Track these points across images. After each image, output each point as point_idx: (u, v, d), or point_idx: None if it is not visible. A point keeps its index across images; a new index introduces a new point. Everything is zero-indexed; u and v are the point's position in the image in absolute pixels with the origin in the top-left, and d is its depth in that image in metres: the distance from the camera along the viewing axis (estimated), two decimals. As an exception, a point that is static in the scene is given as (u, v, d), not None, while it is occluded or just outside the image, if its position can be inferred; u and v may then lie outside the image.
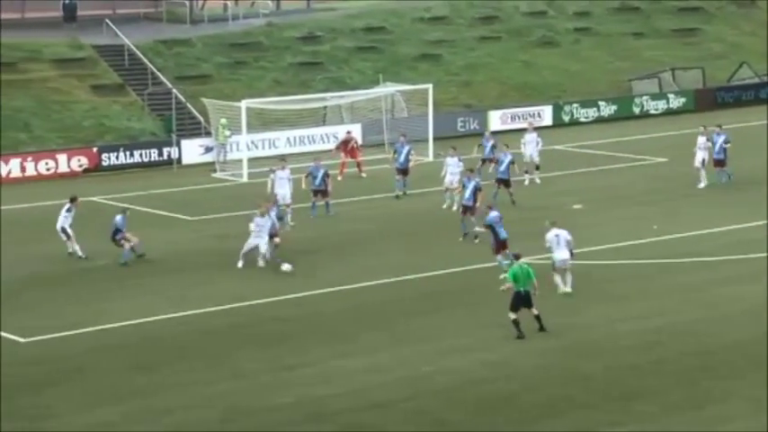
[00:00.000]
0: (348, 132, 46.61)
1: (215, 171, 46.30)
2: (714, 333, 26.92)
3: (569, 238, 29.31)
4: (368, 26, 59.36)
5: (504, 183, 38.79)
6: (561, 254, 29.21)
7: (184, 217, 39.01)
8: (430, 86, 48.99)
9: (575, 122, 54.67)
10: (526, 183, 41.79)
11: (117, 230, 33.38)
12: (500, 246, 31.11)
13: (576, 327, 27.47)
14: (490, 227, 31.27)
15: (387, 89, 50.82)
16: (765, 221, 36.17)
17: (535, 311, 26.62)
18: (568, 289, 29.34)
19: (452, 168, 38.62)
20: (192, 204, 40.71)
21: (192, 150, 47.99)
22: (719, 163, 41.30)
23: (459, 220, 34.88)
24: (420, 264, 32.40)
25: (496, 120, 53.77)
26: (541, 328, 26.66)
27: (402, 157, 41.16)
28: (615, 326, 27.52)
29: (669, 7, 65.42)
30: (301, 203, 37.92)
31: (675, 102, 57.77)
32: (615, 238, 34.59)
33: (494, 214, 31.42)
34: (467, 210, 34.78)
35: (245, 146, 45.64)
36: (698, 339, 26.53)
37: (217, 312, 29.01)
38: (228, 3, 60.25)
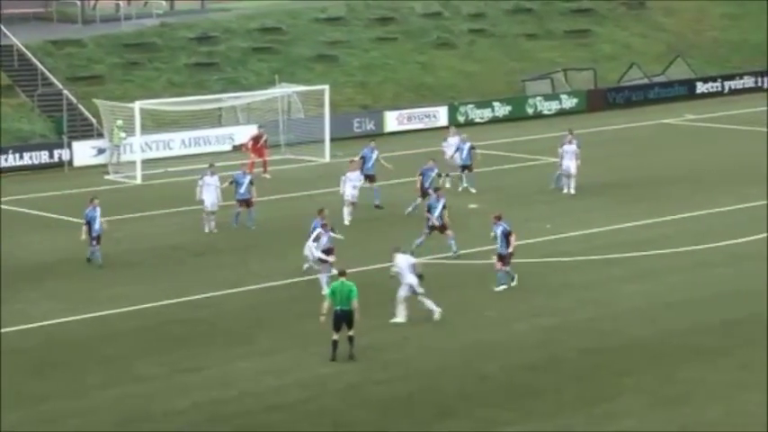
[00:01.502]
0: (260, 128, 46.27)
1: (108, 173, 45.74)
2: (608, 330, 27.36)
3: (414, 261, 28.06)
4: (263, 27, 59.15)
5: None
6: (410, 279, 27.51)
7: (77, 220, 38.46)
8: (326, 87, 48.99)
9: (470, 123, 55.10)
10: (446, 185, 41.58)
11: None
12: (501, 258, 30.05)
13: (472, 327, 27.71)
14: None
15: (283, 90, 50.70)
16: (654, 220, 36.89)
17: (350, 333, 24.96)
18: (401, 319, 27.50)
19: (354, 183, 37.44)
20: (84, 207, 40.10)
21: (83, 152, 47.34)
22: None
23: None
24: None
25: (393, 121, 53.99)
26: (351, 356, 24.98)
27: (370, 163, 39.77)
28: (511, 325, 27.82)
29: (562, 9, 66.30)
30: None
31: (568, 102, 58.58)
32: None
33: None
34: (436, 229, 33.29)
35: (138, 147, 45.17)
36: (592, 337, 26.93)
37: (116, 315, 28.70)
38: (121, 3, 59.53)
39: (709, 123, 54.36)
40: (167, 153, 47.59)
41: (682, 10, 68.04)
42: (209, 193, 36.51)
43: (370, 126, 53.38)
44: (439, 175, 38.82)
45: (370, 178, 39.51)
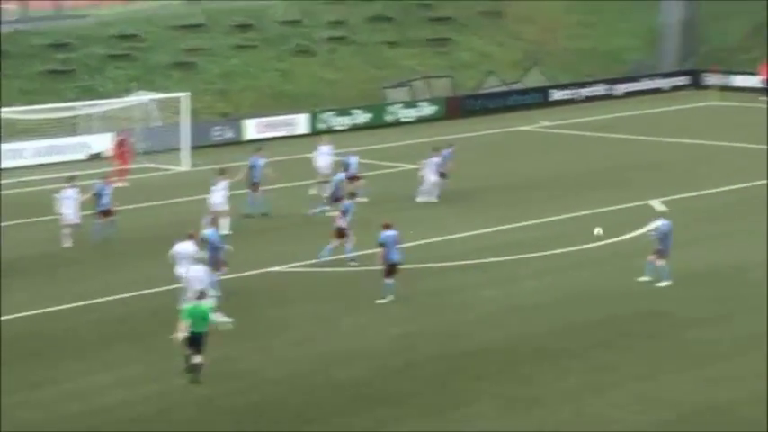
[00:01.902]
0: (120, 133, 45.57)
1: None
2: (463, 335, 27.63)
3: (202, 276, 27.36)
4: (121, 33, 58.36)
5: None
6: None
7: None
8: (186, 95, 48.55)
9: (330, 131, 55.16)
10: (312, 191, 41.56)
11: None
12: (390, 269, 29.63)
13: (328, 335, 27.72)
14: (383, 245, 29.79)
15: (140, 98, 50.07)
16: (510, 226, 37.41)
17: (197, 360, 24.26)
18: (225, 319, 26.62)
19: (222, 192, 36.61)
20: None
21: (-65, 161, 46.08)
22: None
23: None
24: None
25: (252, 129, 53.76)
26: (194, 379, 24.23)
27: (258, 172, 39.21)
28: (366, 332, 27.91)
29: (421, 17, 66.84)
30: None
31: (427, 110, 59.10)
32: (370, 244, 35.00)
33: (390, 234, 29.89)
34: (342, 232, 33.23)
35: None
36: (448, 342, 27.15)
37: None
38: (-29, 9, 58.15)
39: (563, 130, 55.42)
40: (21, 162, 46.58)
41: (537, 19, 69.23)
42: (68, 206, 35.81)
43: (229, 134, 53.07)
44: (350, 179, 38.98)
45: (255, 186, 39.22)
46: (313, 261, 33.14)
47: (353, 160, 41.33)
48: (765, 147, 48.82)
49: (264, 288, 31.35)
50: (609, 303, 29.64)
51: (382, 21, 65.80)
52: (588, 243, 34.75)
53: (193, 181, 43.31)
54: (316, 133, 54.56)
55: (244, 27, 61.88)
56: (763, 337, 26.83)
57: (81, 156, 46.68)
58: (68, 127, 49.21)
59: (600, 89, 63.95)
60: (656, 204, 39.17)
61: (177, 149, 47.02)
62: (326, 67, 61.53)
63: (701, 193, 40.88)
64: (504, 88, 63.27)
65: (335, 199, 37.25)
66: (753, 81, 62.97)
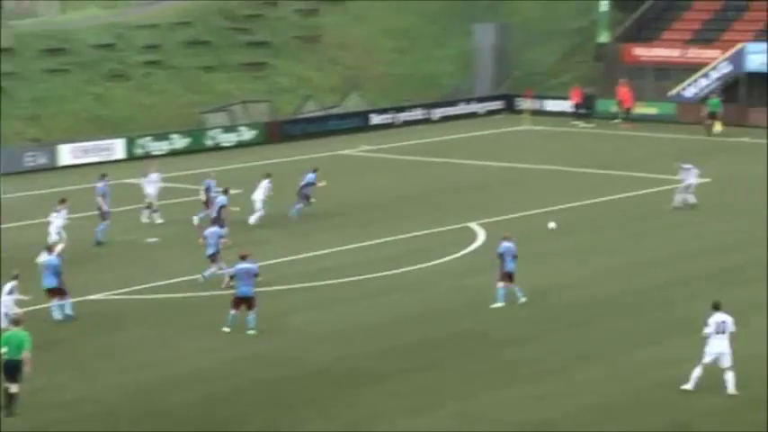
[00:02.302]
0: None
1: None
2: (291, 359, 27.43)
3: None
4: (-75, 57, 56.35)
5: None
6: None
7: None
8: (-5, 120, 47.18)
9: (148, 155, 54.34)
10: (144, 219, 41.04)
11: None
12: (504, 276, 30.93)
13: (159, 361, 27.17)
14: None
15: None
16: (334, 249, 37.45)
17: (13, 389, 23.59)
18: None
19: (58, 222, 36.55)
20: None
21: None
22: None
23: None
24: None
25: (67, 154, 52.51)
26: (9, 412, 23.52)
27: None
28: (190, 359, 27.45)
29: (238, 41, 66.50)
30: None
31: (247, 134, 58.77)
32: (188, 271, 34.56)
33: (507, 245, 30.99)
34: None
35: None
36: (275, 367, 26.91)
37: None
38: None
39: (384, 154, 55.85)
40: None
41: (354, 45, 69.72)
42: None
43: (42, 160, 51.72)
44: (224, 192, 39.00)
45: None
46: (145, 287, 32.51)
47: (214, 183, 41.27)
48: (577, 169, 50.22)
49: (95, 315, 30.55)
50: (430, 325, 29.87)
51: (198, 45, 65.22)
52: (410, 266, 35.06)
53: (6, 208, 42.02)
54: (133, 158, 53.72)
55: (55, 51, 60.45)
56: (584, 355, 27.48)
57: None
58: None
59: (418, 113, 64.73)
60: (475, 227, 39.83)
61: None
62: (142, 92, 60.65)
63: (516, 215, 41.67)
64: (323, 113, 63.42)
65: (217, 222, 36.85)
66: (564, 105, 64.74)
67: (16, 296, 28.72)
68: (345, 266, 35.27)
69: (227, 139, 58.05)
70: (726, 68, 62.09)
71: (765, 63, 60.72)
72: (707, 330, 24.89)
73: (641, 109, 62.75)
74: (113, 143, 54.26)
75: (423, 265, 35.15)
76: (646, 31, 66.84)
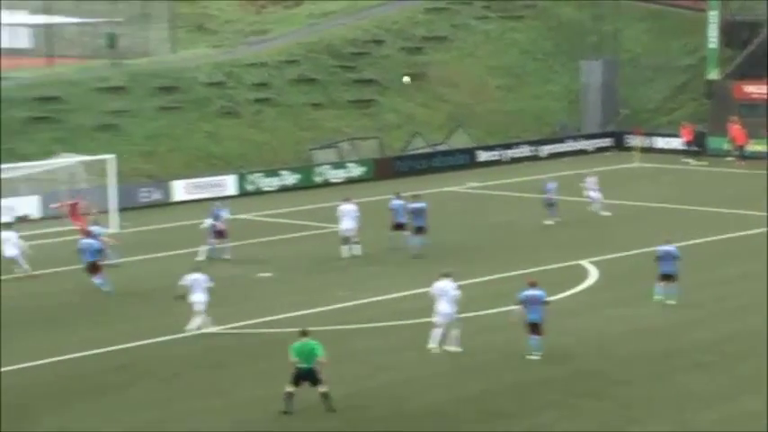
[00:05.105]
0: (78, 195, 45.14)
1: None
2: (404, 396, 27.38)
3: None
4: (42, 96, 57.77)
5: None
6: None
7: None
8: (112, 157, 48.06)
9: (258, 192, 54.98)
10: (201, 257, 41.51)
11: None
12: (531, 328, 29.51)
13: (267, 398, 27.34)
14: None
15: (65, 160, 49.45)
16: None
17: (322, 389, 25.82)
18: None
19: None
20: None
21: None
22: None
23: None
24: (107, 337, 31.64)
25: (180, 190, 53.36)
26: (329, 409, 25.70)
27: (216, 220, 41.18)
28: (301, 396, 27.56)
29: (345, 79, 67.08)
30: None
31: (355, 170, 59.16)
32: (299, 305, 34.78)
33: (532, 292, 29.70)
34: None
35: None
36: (384, 404, 26.84)
37: None
38: None
39: (492, 191, 55.74)
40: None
41: (461, 82, 69.85)
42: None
43: (156, 195, 52.62)
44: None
45: (220, 234, 40.97)
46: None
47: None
48: (691, 207, 49.57)
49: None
50: (544, 364, 29.63)
51: (306, 83, 65.92)
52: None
53: (124, 242, 42.80)
54: (244, 194, 54.41)
55: (168, 89, 61.56)
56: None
57: (8, 218, 45.80)
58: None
59: (525, 150, 64.57)
60: (586, 264, 39.47)
61: (105, 212, 46.42)
62: (253, 129, 61.42)
63: (629, 253, 41.20)
64: (430, 149, 63.61)
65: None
66: (674, 143, 64.07)
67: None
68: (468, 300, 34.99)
69: (336, 175, 58.48)
70: (839, 105, 61.01)
71: None
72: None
73: (753, 146, 61.84)
74: (225, 179, 55.01)
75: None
76: (756, 68, 65.99)
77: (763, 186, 53.94)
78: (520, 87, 70.88)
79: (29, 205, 48.09)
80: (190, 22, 76.96)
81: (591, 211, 48.56)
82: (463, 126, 66.32)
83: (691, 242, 42.40)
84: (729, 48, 67.24)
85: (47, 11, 69.63)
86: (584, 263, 39.84)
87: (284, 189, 56.22)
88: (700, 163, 61.70)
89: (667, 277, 33.88)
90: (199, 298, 31.70)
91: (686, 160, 62.08)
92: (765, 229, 44.65)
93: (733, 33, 67.89)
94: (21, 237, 40.14)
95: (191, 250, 41.11)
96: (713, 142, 63.63)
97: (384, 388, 27.93)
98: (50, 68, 64.46)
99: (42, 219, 46.23)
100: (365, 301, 35.66)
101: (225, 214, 41.74)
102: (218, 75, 63.91)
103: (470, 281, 37.75)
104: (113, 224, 46.49)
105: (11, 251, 38.57)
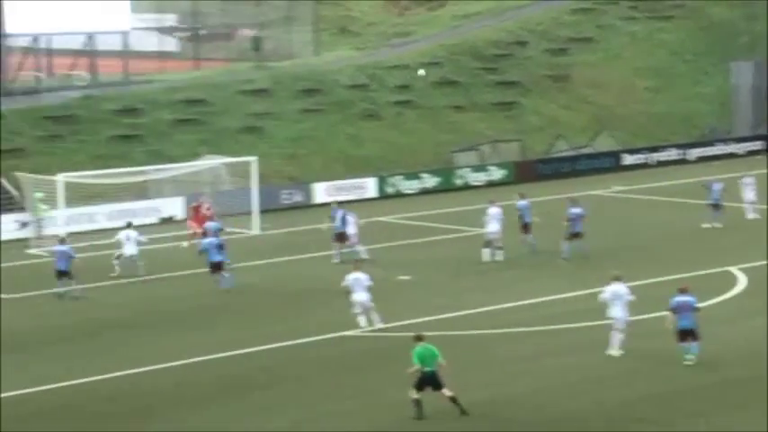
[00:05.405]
0: (203, 196, 45.50)
1: (29, 247, 44.53)
2: (542, 404, 26.71)
3: None
4: (188, 98, 58.55)
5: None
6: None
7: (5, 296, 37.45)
8: (254, 159, 48.37)
9: (399, 194, 54.79)
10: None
11: None
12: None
13: (404, 402, 26.94)
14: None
15: (209, 162, 49.99)
16: (589, 291, 36.49)
17: (448, 393, 25.55)
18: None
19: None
20: (5, 282, 39.04)
21: (6, 226, 46.10)
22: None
23: None
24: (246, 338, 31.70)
25: (321, 192, 53.47)
26: (462, 412, 25.41)
27: (338, 222, 40.92)
28: (442, 400, 27.09)
29: (488, 81, 66.48)
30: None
31: (496, 173, 58.50)
32: (441, 309, 34.37)
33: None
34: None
35: (62, 221, 44.09)
36: (526, 411, 26.25)
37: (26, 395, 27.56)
38: (42, 75, 58.60)
39: (638, 195, 54.51)
40: (91, 226, 46.52)
41: (606, 83, 68.64)
42: None
43: (298, 197, 52.82)
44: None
45: (341, 237, 40.74)
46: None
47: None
48: None
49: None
50: (692, 371, 28.62)
51: (448, 85, 65.51)
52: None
53: (264, 244, 42.99)
54: (385, 197, 54.25)
55: (310, 92, 61.83)
56: None
57: (153, 219, 46.52)
58: (139, 191, 49.19)
59: (673, 153, 63.06)
60: (735, 271, 38.16)
61: (247, 213, 46.72)
62: (394, 131, 61.25)
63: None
64: (573, 152, 62.57)
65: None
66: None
67: None
68: (594, 310, 34.15)
69: (477, 178, 57.91)
70: None
71: None
72: None
73: None
74: (366, 182, 54.94)
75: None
76: None
77: None
78: (668, 89, 69.32)
79: (173, 206, 48.66)
80: (333, 25, 77.27)
81: (743, 216, 47.12)
82: (607, 129, 65.07)
83: None
84: None
85: (194, 14, 70.69)
86: (733, 269, 38.52)
87: (424, 192, 55.91)
88: None
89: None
90: (361, 297, 31.73)
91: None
92: None
93: None
94: (163, 238, 40.64)
95: (329, 253, 41.01)
96: None
97: (519, 396, 27.29)
98: (197, 71, 65.37)
99: (185, 220, 46.68)
100: (507, 305, 35.06)
101: (352, 218, 41.25)
102: (361, 77, 63.93)
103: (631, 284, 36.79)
104: (255, 226, 46.76)
105: (131, 250, 38.89)
